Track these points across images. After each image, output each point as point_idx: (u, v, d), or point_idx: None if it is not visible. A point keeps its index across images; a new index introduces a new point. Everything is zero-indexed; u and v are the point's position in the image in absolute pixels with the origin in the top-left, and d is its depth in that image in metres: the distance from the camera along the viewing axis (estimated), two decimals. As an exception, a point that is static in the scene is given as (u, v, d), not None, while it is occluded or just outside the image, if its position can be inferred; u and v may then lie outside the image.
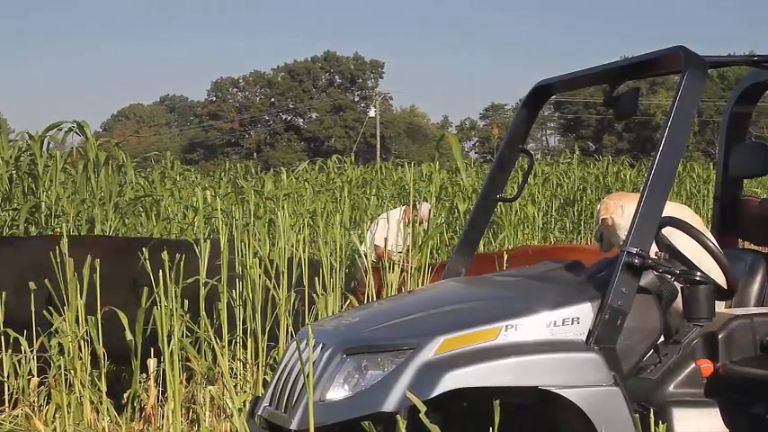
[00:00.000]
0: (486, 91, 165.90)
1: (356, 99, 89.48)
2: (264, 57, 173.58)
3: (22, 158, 11.95)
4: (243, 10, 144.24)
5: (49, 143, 11.94)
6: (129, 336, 6.54)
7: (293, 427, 4.03)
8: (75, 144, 13.26)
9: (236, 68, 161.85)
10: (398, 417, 3.75)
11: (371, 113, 77.31)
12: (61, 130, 11.79)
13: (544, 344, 4.04)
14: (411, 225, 10.67)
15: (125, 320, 6.61)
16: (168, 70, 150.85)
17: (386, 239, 8.71)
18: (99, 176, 11.31)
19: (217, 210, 9.24)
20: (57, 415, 6.33)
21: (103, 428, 6.44)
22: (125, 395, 6.70)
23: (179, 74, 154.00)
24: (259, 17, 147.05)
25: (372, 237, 10.04)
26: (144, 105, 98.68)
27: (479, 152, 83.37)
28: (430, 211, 10.55)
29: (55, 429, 6.25)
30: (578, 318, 4.09)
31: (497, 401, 3.45)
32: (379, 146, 64.69)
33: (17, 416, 6.55)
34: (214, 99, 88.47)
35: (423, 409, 3.38)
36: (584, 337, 4.07)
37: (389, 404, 3.85)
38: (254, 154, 79.17)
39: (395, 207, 12.31)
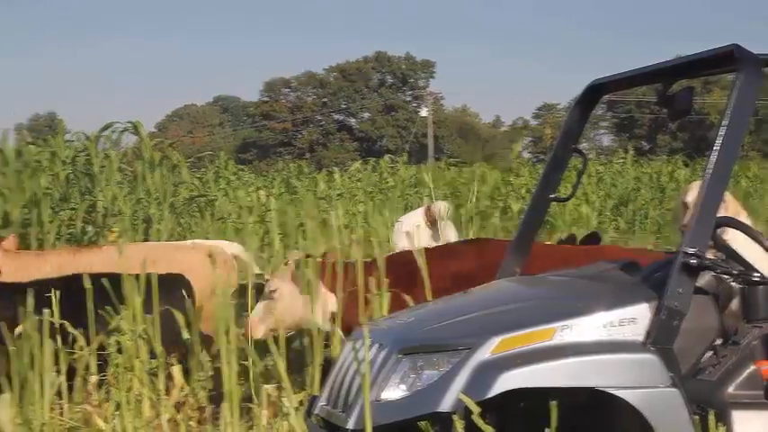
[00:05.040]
0: (539, 90, 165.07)
1: (408, 99, 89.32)
2: (316, 57, 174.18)
3: (78, 158, 12.11)
4: (295, 10, 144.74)
5: (104, 143, 12.12)
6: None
7: (350, 426, 4.05)
8: (130, 144, 13.40)
9: (288, 69, 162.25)
10: (455, 417, 3.76)
11: (423, 113, 76.99)
12: (116, 130, 11.95)
13: (600, 344, 4.03)
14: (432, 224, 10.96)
15: (181, 319, 6.68)
16: (221, 71, 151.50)
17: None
18: (154, 176, 11.44)
19: (271, 210, 9.31)
20: (116, 412, 6.40)
21: (160, 425, 6.50)
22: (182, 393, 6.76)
23: (232, 74, 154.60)
24: (311, 17, 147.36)
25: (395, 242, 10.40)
26: (197, 105, 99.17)
27: (532, 152, 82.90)
28: (447, 209, 10.80)
29: (114, 427, 6.32)
30: (635, 318, 4.08)
31: (554, 402, 3.45)
32: (431, 146, 64.44)
33: (77, 412, 6.64)
34: (267, 99, 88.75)
35: (476, 410, 3.39)
36: (641, 338, 4.06)
37: (446, 404, 3.86)
38: (307, 154, 79.34)
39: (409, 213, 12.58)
